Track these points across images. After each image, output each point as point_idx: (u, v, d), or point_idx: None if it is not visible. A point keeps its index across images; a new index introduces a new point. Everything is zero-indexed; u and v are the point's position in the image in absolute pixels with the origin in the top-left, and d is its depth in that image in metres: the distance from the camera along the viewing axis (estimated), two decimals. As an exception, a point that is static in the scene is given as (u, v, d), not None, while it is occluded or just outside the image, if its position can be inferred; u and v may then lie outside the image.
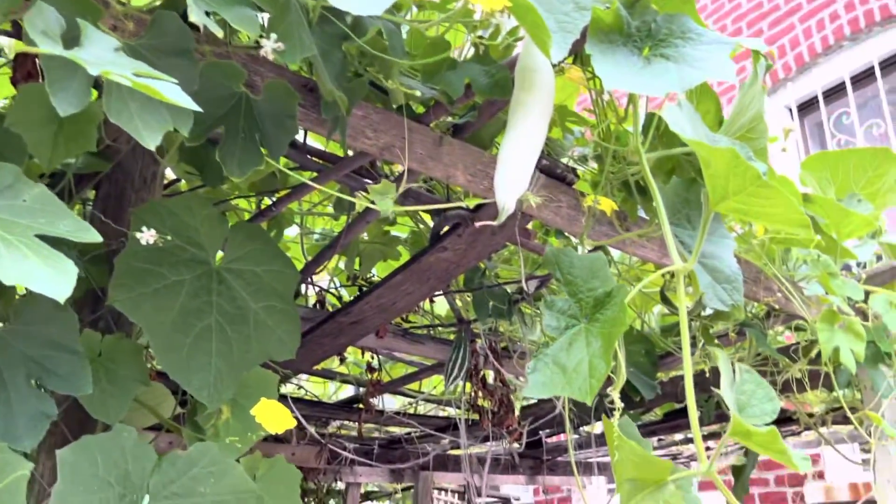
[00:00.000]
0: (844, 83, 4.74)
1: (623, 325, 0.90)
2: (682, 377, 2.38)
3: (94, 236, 0.71)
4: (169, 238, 1.01)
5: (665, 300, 1.53)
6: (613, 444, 0.92)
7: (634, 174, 1.19)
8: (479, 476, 2.68)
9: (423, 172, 1.17)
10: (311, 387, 2.80)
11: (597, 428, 2.94)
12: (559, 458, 3.47)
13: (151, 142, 0.69)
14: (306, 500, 3.58)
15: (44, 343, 0.94)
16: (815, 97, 4.93)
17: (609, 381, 0.88)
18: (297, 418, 2.18)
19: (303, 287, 1.88)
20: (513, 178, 0.91)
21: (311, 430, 1.95)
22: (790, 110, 5.13)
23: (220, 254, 1.15)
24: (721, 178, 0.82)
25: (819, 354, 1.73)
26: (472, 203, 1.38)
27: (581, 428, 3.04)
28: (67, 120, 0.95)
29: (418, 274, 1.51)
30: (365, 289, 1.56)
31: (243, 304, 1.16)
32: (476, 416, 2.07)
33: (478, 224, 1.25)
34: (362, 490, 5.38)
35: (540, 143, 0.95)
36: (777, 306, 1.43)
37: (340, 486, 4.56)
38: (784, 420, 3.05)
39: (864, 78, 4.76)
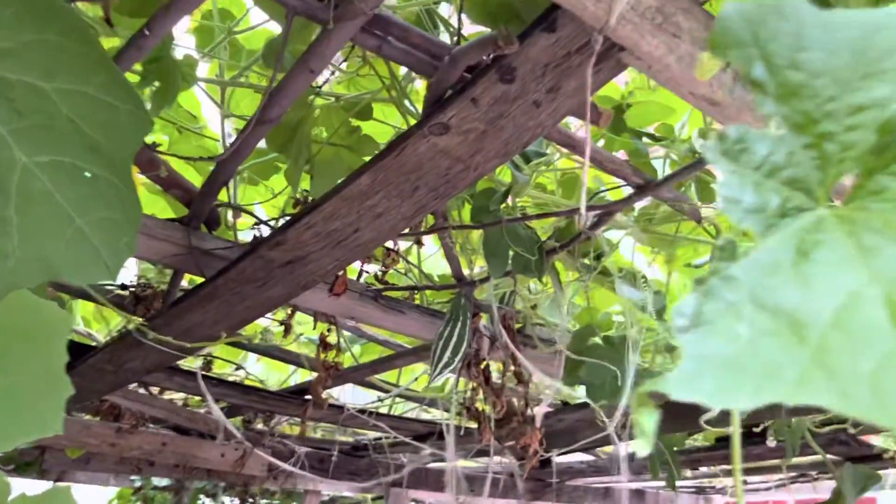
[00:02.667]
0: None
1: None
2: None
3: None
4: None
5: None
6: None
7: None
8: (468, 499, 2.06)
9: None
10: (261, 367, 2.17)
11: (628, 448, 2.30)
12: (570, 482, 2.82)
13: None
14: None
15: None
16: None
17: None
18: (212, 405, 1.55)
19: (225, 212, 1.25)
20: None
21: (230, 425, 1.32)
22: None
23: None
24: None
25: None
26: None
27: (598, 449, 2.42)
28: None
29: (397, 176, 0.88)
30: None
31: (-5, 151, 0.53)
32: (472, 424, 1.44)
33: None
34: (329, 495, 4.76)
35: None
36: None
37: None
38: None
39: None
